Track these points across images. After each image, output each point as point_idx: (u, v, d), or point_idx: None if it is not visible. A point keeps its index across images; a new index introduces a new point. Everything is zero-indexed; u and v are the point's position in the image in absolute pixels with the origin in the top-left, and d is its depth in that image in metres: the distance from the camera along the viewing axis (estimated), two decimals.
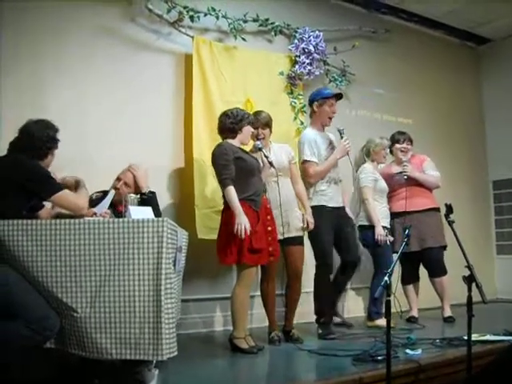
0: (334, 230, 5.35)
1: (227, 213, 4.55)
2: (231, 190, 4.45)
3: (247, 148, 5.04)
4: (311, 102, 5.61)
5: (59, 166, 4.47)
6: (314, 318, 5.40)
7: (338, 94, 5.65)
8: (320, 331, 5.31)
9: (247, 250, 4.44)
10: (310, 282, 5.46)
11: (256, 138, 5.03)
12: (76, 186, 3.97)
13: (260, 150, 4.85)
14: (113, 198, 4.45)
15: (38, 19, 5.12)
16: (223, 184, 4.52)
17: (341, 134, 5.50)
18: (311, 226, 5.12)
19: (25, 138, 3.76)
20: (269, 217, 4.77)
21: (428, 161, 6.37)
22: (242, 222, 4.35)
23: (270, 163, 4.78)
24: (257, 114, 5.11)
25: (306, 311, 5.73)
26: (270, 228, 4.74)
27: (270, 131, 5.15)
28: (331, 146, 5.54)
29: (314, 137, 5.47)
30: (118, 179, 4.76)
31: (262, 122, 5.04)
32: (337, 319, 5.85)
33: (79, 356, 3.42)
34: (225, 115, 4.78)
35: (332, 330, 5.33)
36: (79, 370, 3.62)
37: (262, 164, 4.87)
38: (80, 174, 4.86)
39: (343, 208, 5.62)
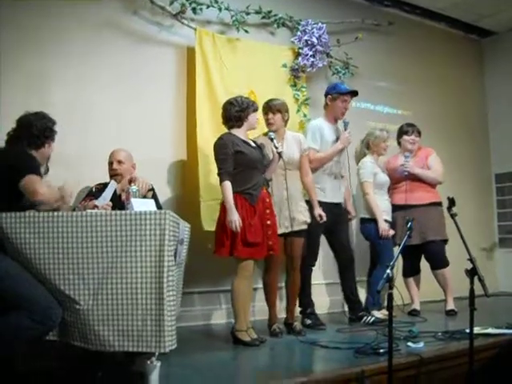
0: (326, 225, 5.36)
1: (223, 206, 4.57)
2: (226, 185, 4.48)
3: (256, 134, 5.09)
4: (326, 95, 5.71)
5: (63, 160, 4.51)
6: (321, 310, 5.45)
7: (354, 91, 5.71)
8: (309, 322, 5.40)
9: (240, 243, 4.45)
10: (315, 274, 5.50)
11: (267, 123, 5.03)
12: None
13: (272, 140, 4.81)
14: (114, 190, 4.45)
15: (39, 14, 5.10)
16: (220, 178, 4.55)
17: (345, 125, 5.61)
18: (324, 218, 5.16)
19: (23, 128, 3.76)
20: (268, 210, 4.74)
21: (433, 155, 6.34)
22: (233, 220, 4.38)
23: (279, 154, 4.76)
24: (270, 100, 5.12)
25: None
26: (269, 222, 4.71)
27: (283, 118, 5.13)
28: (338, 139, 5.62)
29: (321, 126, 5.57)
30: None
31: (273, 107, 5.04)
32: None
33: (82, 348, 3.43)
34: (229, 103, 4.76)
35: (321, 321, 5.43)
36: (82, 362, 3.62)
37: (271, 155, 4.86)
38: (83, 168, 4.94)
39: (340, 204, 5.67)
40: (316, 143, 5.48)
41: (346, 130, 5.62)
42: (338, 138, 5.61)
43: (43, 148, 3.83)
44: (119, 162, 4.79)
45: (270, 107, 5.05)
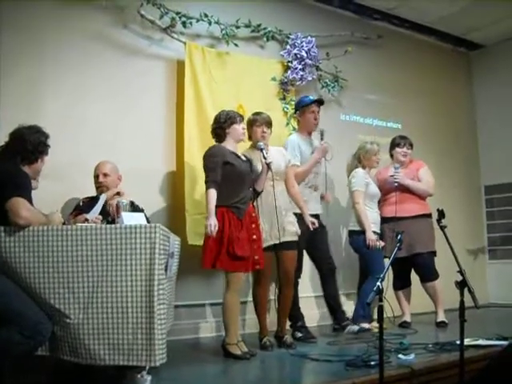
0: (305, 236, 5.34)
1: None
2: (211, 193, 4.50)
3: (246, 146, 5.12)
4: (295, 112, 5.86)
5: (54, 171, 4.51)
6: (310, 322, 5.43)
7: (319, 99, 5.79)
8: (300, 335, 5.41)
9: (226, 256, 4.45)
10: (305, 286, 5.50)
11: (262, 136, 5.01)
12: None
13: (261, 150, 4.81)
14: (104, 202, 4.44)
15: (32, 27, 5.12)
16: (206, 186, 4.56)
17: (321, 135, 5.67)
18: (316, 225, 5.20)
19: (16, 142, 3.72)
20: (254, 225, 4.73)
21: (424, 168, 6.36)
22: (209, 223, 4.39)
23: (268, 165, 4.77)
24: (256, 113, 5.12)
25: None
26: (254, 236, 4.70)
27: (271, 131, 5.15)
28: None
29: (298, 142, 5.59)
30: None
31: (266, 121, 5.03)
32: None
33: (73, 362, 3.42)
34: (214, 119, 4.86)
35: (311, 334, 5.44)
36: (73, 377, 3.60)
37: (260, 167, 4.86)
38: (75, 179, 4.93)
39: (319, 216, 5.69)
40: (296, 159, 5.49)
41: (322, 139, 5.67)
42: (315, 150, 5.67)
43: (36, 163, 3.79)
44: (105, 174, 4.79)
45: (268, 122, 5.03)
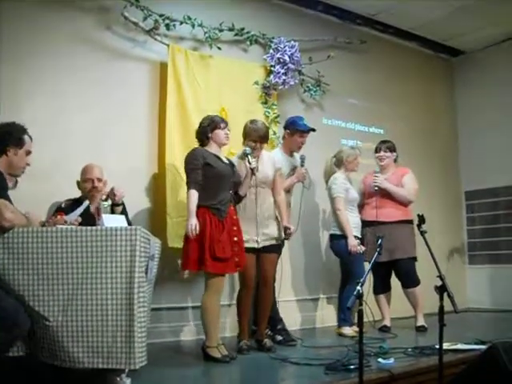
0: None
1: None
2: (191, 194, 4.53)
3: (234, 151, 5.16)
4: (285, 127, 5.86)
5: (38, 173, 4.48)
6: (293, 326, 5.42)
7: (312, 129, 5.81)
8: (280, 338, 5.43)
9: (210, 259, 4.45)
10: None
11: (253, 150, 4.99)
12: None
13: (246, 156, 4.84)
14: (86, 207, 4.41)
15: (13, 29, 5.08)
16: (187, 187, 4.59)
17: (302, 161, 5.74)
18: (293, 232, 5.17)
19: None
20: (235, 227, 4.73)
21: (409, 175, 6.37)
22: (190, 223, 4.41)
23: (252, 170, 4.79)
24: (252, 123, 5.10)
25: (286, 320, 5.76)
26: (236, 238, 4.69)
27: (267, 143, 5.20)
28: (293, 172, 5.74)
29: (279, 158, 5.53)
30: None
31: (260, 135, 5.02)
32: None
33: (51, 365, 3.40)
34: (198, 125, 4.89)
35: (291, 337, 5.46)
36: (51, 380, 3.58)
37: (245, 171, 4.88)
38: (60, 181, 4.89)
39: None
40: (278, 163, 5.45)
41: (302, 165, 5.73)
42: (293, 169, 5.72)
43: (5, 156, 3.71)
44: (99, 179, 4.75)
45: (258, 135, 5.00)
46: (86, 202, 4.44)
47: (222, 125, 4.81)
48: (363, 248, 5.87)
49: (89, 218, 4.34)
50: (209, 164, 4.63)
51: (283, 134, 5.91)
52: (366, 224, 6.17)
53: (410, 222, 6.11)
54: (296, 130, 5.73)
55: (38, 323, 3.37)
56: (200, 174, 4.58)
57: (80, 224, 3.91)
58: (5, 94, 5.01)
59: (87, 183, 4.73)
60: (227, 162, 4.85)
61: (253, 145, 4.99)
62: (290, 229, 5.12)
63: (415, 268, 6.13)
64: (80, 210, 4.25)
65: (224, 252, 4.50)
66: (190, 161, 4.65)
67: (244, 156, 4.89)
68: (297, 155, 5.85)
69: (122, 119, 5.58)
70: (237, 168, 4.92)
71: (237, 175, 4.87)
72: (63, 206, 4.67)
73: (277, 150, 5.84)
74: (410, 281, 6.11)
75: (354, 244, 5.81)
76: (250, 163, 4.80)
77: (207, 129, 4.77)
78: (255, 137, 5.01)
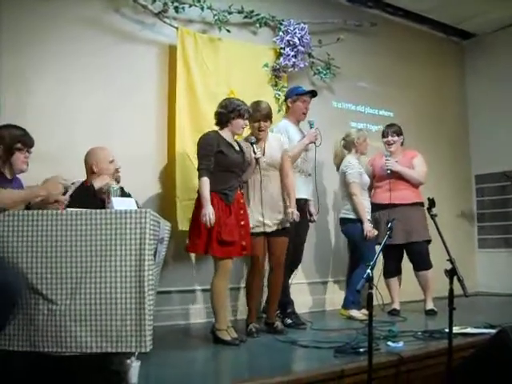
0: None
1: (198, 202, 4.58)
2: (204, 181, 4.50)
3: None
4: (286, 99, 5.85)
5: (48, 156, 4.48)
6: (303, 309, 5.43)
7: (312, 90, 5.81)
8: (289, 321, 5.41)
9: (216, 242, 4.46)
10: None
11: (258, 130, 5.02)
12: None
13: (252, 144, 4.84)
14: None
15: (21, 14, 5.06)
16: (199, 174, 4.56)
17: (311, 125, 5.66)
18: (296, 218, 5.08)
19: None
20: (242, 211, 4.72)
21: (418, 157, 6.38)
22: (207, 213, 4.40)
23: (257, 160, 4.79)
24: (256, 104, 5.07)
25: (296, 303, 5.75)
26: (242, 222, 4.69)
27: (271, 122, 5.16)
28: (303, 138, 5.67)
29: (287, 127, 5.59)
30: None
31: (262, 114, 5.03)
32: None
33: (52, 357, 3.38)
34: (221, 102, 4.81)
35: (301, 320, 5.45)
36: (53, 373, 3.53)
37: (250, 159, 4.87)
38: (67, 167, 4.82)
39: (307, 201, 5.70)
40: (285, 144, 5.45)
41: (311, 127, 5.65)
42: (304, 137, 5.66)
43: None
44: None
45: (261, 114, 5.01)
46: (116, 186, 4.30)
47: (246, 116, 4.78)
48: (376, 232, 5.87)
49: (96, 202, 4.26)
50: (221, 152, 4.60)
51: (286, 106, 5.87)
52: (379, 207, 6.17)
53: (422, 204, 6.10)
54: (296, 95, 5.71)
55: (43, 309, 3.34)
56: (212, 160, 4.56)
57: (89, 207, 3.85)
58: (15, 80, 4.99)
59: (112, 164, 4.59)
60: (238, 149, 4.82)
61: (257, 125, 5.00)
62: (296, 214, 5.04)
63: (428, 251, 6.12)
64: (70, 192, 4.14)
65: (232, 235, 4.50)
66: (204, 146, 4.61)
67: (250, 145, 4.87)
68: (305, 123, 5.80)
69: (131, 103, 5.56)
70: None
71: (246, 163, 4.86)
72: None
73: (283, 121, 5.76)
74: (423, 263, 6.11)
75: (370, 229, 5.82)
76: (254, 153, 4.80)
77: (230, 116, 4.70)
78: (259, 116, 5.00)
